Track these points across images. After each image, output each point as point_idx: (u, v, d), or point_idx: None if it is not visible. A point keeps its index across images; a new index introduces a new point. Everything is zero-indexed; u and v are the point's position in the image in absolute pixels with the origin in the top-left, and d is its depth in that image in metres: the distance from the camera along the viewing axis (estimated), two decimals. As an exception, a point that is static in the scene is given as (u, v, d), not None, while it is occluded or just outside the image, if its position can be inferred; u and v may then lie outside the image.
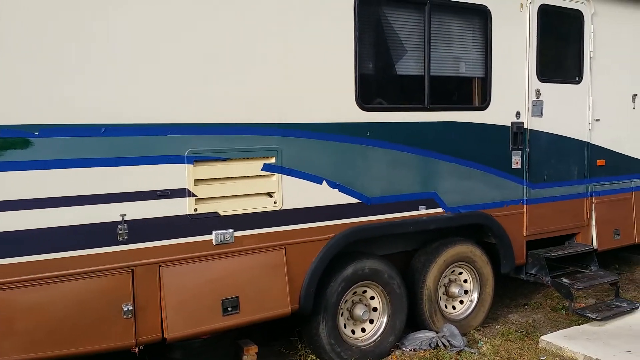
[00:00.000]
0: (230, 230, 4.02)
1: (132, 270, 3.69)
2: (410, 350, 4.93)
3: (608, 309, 5.56)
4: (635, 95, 6.43)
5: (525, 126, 5.45)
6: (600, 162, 6.11)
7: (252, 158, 4.08)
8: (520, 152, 5.44)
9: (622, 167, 6.38)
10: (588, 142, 5.99)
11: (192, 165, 3.84)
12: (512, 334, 5.32)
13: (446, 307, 5.36)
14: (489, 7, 5.12)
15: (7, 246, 3.31)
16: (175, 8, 3.75)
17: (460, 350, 4.92)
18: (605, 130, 6.12)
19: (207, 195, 3.93)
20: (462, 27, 5.09)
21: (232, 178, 4.03)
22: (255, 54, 4.03)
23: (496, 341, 5.15)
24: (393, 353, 4.88)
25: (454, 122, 5.03)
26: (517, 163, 5.43)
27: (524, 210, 5.52)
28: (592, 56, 5.93)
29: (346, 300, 4.70)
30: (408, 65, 4.87)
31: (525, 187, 5.51)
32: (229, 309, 3.96)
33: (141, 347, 3.76)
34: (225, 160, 3.98)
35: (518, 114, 5.40)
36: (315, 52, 4.29)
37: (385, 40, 4.74)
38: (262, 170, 4.12)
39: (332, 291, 4.51)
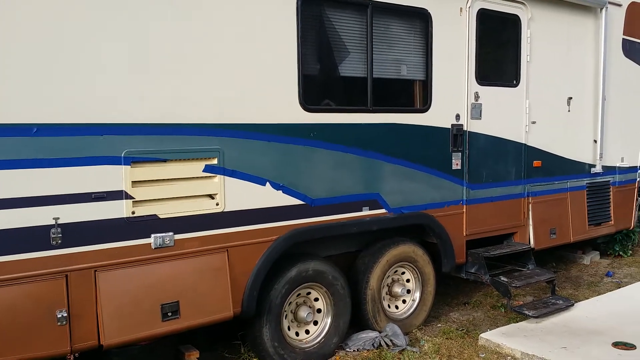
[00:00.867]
0: (170, 234, 3.93)
1: (67, 276, 3.56)
2: (354, 350, 4.95)
3: (545, 306, 5.74)
4: (571, 98, 6.68)
5: (465, 128, 5.57)
6: (536, 163, 6.32)
7: (192, 159, 4.00)
8: (460, 153, 5.56)
9: (558, 168, 6.62)
10: (525, 144, 6.18)
11: (129, 166, 3.73)
12: (453, 332, 5.43)
13: (389, 306, 5.42)
14: (429, 11, 5.21)
15: None
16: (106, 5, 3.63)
17: (403, 349, 4.98)
18: (542, 132, 6.33)
19: (145, 198, 3.82)
20: (403, 29, 5.16)
21: (172, 180, 3.93)
22: (194, 53, 3.96)
23: (437, 339, 5.24)
24: (337, 354, 4.90)
25: (396, 124, 5.09)
26: (457, 164, 5.55)
27: (464, 210, 5.65)
28: (528, 60, 6.12)
29: (290, 302, 4.68)
30: (351, 67, 4.90)
31: (464, 187, 5.63)
32: (169, 314, 3.87)
33: (77, 354, 3.61)
34: (164, 161, 3.88)
35: (458, 117, 5.51)
36: (258, 52, 4.25)
37: (328, 41, 4.75)
38: (203, 171, 4.05)
39: (275, 293, 4.48)
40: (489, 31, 5.77)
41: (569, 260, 8.15)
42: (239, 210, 4.23)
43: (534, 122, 6.22)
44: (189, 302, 3.96)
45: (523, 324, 5.50)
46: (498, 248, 6.02)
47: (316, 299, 4.85)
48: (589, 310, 5.80)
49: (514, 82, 6.06)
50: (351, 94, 4.97)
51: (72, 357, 3.62)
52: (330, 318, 4.85)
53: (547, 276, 6.04)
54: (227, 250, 4.18)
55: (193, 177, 4.02)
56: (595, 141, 7.02)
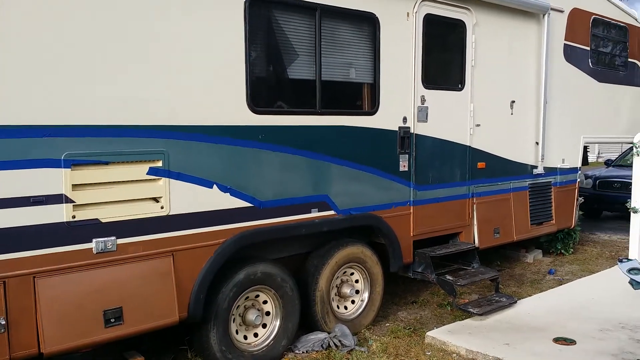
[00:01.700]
0: (113, 238, 3.84)
1: (4, 282, 3.44)
2: (303, 352, 4.96)
3: (489, 304, 5.90)
4: (514, 101, 6.89)
5: (412, 131, 5.67)
6: (481, 164, 6.49)
7: (136, 162, 3.93)
8: (407, 155, 5.65)
9: (501, 169, 6.81)
10: (470, 146, 6.34)
11: (70, 169, 3.63)
12: (401, 331, 5.52)
13: (338, 307, 5.46)
14: (377, 15, 5.28)
15: None
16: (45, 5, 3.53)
17: (351, 350, 5.02)
18: (486, 135, 6.51)
19: (86, 201, 3.73)
20: (352, 33, 5.21)
21: (114, 183, 3.85)
22: (138, 54, 3.89)
23: (385, 339, 5.31)
24: (286, 356, 4.90)
25: (344, 126, 5.14)
26: (404, 166, 5.64)
27: (411, 211, 5.75)
28: (473, 64, 6.28)
29: (238, 305, 4.65)
30: (300, 69, 4.91)
31: (412, 189, 5.73)
32: (112, 320, 3.79)
33: (15, 363, 3.50)
34: (106, 164, 3.80)
35: (405, 119, 5.60)
36: (205, 53, 4.21)
37: (277, 44, 4.74)
38: (147, 174, 3.98)
39: (223, 297, 4.45)
40: (435, 36, 5.88)
41: (512, 258, 8.40)
42: (185, 214, 4.18)
43: (478, 125, 6.39)
44: (133, 307, 3.89)
45: (468, 321, 5.63)
46: (444, 248, 6.15)
47: (265, 302, 4.83)
48: (532, 307, 5.99)
49: (459, 86, 6.20)
50: (300, 96, 4.98)
51: (9, 367, 3.49)
52: (279, 320, 4.84)
53: (491, 274, 6.20)
54: (173, 254, 4.12)
55: (137, 180, 3.95)
56: (537, 143, 7.26)
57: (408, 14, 5.58)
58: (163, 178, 4.05)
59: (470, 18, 6.20)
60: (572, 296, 6.39)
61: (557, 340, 5.05)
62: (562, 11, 7.49)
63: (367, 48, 5.32)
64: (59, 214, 3.62)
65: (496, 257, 8.21)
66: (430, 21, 5.78)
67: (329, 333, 5.15)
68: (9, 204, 3.44)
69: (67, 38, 3.60)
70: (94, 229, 3.77)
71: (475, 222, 6.46)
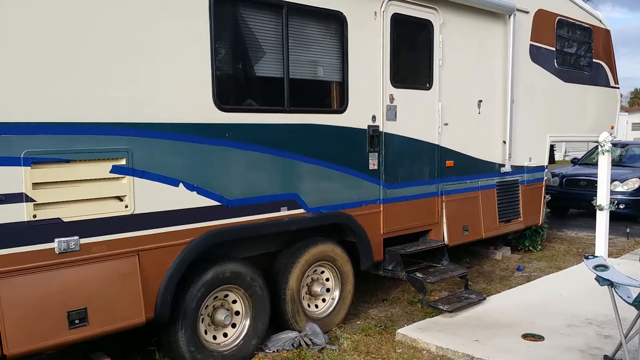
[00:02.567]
0: (76, 238, 3.76)
1: (-38, 284, 3.34)
2: (274, 351, 4.93)
3: (458, 300, 5.95)
4: (481, 101, 6.98)
5: (381, 129, 5.69)
6: (449, 163, 6.55)
7: (99, 159, 3.86)
8: (376, 154, 5.67)
9: (470, 167, 6.89)
10: (438, 145, 6.39)
11: (30, 167, 3.54)
12: (372, 329, 5.52)
13: (309, 306, 5.44)
14: (344, 14, 5.29)
15: None
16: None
17: (322, 348, 5.01)
18: (454, 134, 6.57)
19: (47, 200, 3.65)
20: (319, 31, 5.21)
21: (76, 181, 3.77)
22: (100, 50, 3.82)
23: (356, 336, 5.31)
24: (256, 356, 4.86)
25: (313, 124, 5.13)
26: (373, 164, 5.66)
27: (381, 209, 5.77)
28: (441, 64, 6.34)
29: (207, 305, 4.60)
30: (268, 67, 4.89)
31: (381, 187, 5.75)
32: (76, 321, 3.71)
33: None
34: (68, 162, 3.72)
35: (374, 118, 5.62)
36: (169, 50, 4.16)
37: (244, 41, 4.72)
38: (110, 172, 3.91)
39: (191, 297, 4.39)
40: (403, 35, 5.92)
41: (481, 255, 8.50)
42: (151, 212, 4.12)
43: (446, 124, 6.45)
44: (97, 308, 3.81)
45: (438, 318, 5.67)
46: (414, 245, 6.19)
47: (234, 301, 4.79)
48: (500, 304, 6.06)
49: (427, 85, 6.25)
50: (268, 94, 4.96)
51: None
52: (249, 320, 4.81)
53: (460, 271, 6.26)
54: (138, 254, 4.05)
55: (100, 179, 3.87)
56: (505, 142, 7.36)
57: (375, 13, 5.61)
58: (127, 176, 3.98)
59: (438, 18, 6.26)
60: (540, 292, 6.48)
61: (525, 336, 5.11)
62: (527, 12, 7.62)
63: (335, 46, 5.33)
64: (19, 213, 3.53)
65: (465, 254, 8.29)
66: (397, 20, 5.81)
67: (299, 332, 5.13)
68: (-34, 204, 3.35)
69: (26, 33, 3.52)
70: (56, 228, 3.69)
71: (444, 220, 6.51)
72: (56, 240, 3.68)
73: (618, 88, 9.77)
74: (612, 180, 10.49)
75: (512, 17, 7.19)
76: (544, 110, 8.13)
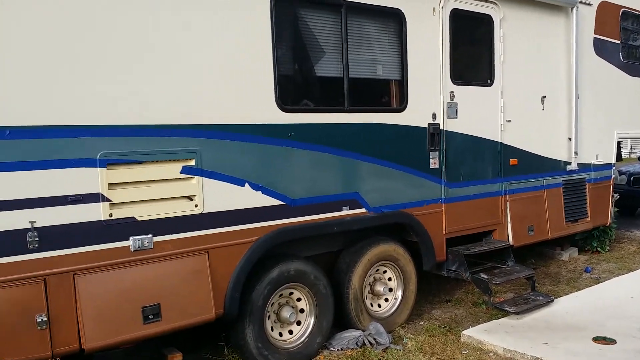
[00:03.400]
0: (149, 236, 3.90)
1: (45, 280, 3.52)
2: (338, 349, 4.95)
3: (525, 302, 5.79)
4: (544, 97, 6.79)
5: (442, 127, 5.63)
6: (513, 161, 6.40)
7: (170, 160, 3.99)
8: (437, 152, 5.61)
9: (534, 166, 6.71)
10: (501, 143, 6.26)
11: (105, 168, 3.70)
12: (436, 330, 5.46)
13: (372, 305, 5.43)
14: (403, 11, 5.28)
15: None
16: (77, 7, 3.63)
17: (386, 348, 4.99)
18: (517, 131, 6.42)
19: (122, 200, 3.80)
20: (378, 30, 5.22)
21: (149, 181, 3.92)
22: (170, 54, 3.96)
23: (420, 337, 5.26)
24: (321, 353, 4.89)
25: (373, 123, 5.13)
26: (434, 163, 5.60)
27: (443, 208, 5.70)
28: (502, 59, 6.22)
29: (273, 302, 4.67)
30: (327, 67, 4.94)
31: (443, 186, 5.69)
32: (150, 316, 3.84)
33: (58, 358, 3.56)
34: (141, 163, 3.86)
35: (434, 116, 5.57)
36: (233, 53, 4.26)
37: (303, 41, 4.78)
38: (181, 172, 4.04)
39: (258, 294, 4.47)
40: (462, 31, 5.85)
41: (547, 256, 8.25)
42: (218, 212, 4.22)
43: (509, 121, 6.31)
44: (170, 304, 3.94)
45: (504, 320, 5.54)
46: (477, 245, 6.08)
47: (299, 299, 4.84)
48: (569, 306, 5.87)
49: (489, 81, 6.14)
50: (328, 94, 5.01)
51: (52, 363, 3.57)
52: (313, 318, 4.85)
53: (526, 272, 6.10)
54: (208, 252, 4.16)
55: (171, 179, 4.01)
56: (570, 139, 7.14)
57: (434, 9, 5.57)
58: (196, 177, 4.10)
59: (498, 12, 6.15)
60: (610, 294, 6.24)
61: (596, 339, 4.94)
62: (590, 4, 7.38)
63: (394, 44, 5.32)
64: (96, 212, 3.70)
65: (531, 255, 8.07)
66: (457, 16, 5.75)
67: (363, 331, 5.12)
68: (48, 203, 3.53)
69: (103, 38, 3.69)
70: (131, 227, 3.84)
71: (509, 220, 6.37)
72: (131, 238, 3.83)
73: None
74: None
75: (574, 9, 6.98)
76: (610, 106, 7.83)
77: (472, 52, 6.15)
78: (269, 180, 4.48)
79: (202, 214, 4.14)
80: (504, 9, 6.19)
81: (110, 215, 3.75)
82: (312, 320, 4.84)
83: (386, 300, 5.54)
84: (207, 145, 4.15)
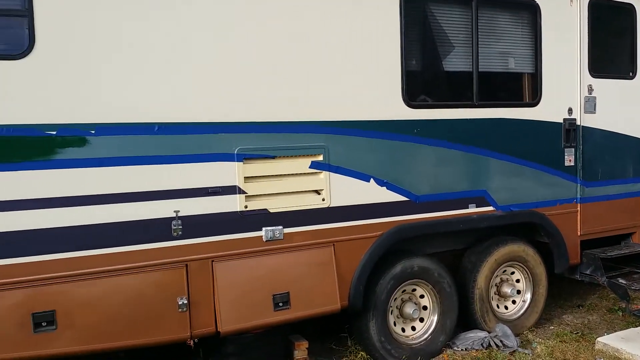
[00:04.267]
0: (280, 227, 4.08)
1: (187, 265, 3.80)
2: (462, 349, 4.87)
3: (669, 311, 5.35)
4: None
5: (578, 123, 5.31)
6: (657, 160, 5.89)
7: (300, 156, 4.14)
8: (573, 149, 5.30)
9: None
10: (645, 139, 5.78)
11: (242, 162, 3.92)
12: (567, 335, 5.18)
13: (498, 307, 5.27)
14: (537, 2, 5.04)
15: (67, 241, 3.45)
16: (227, 12, 3.85)
17: (514, 351, 4.83)
18: (664, 127, 5.89)
19: (256, 193, 4.00)
20: (510, 22, 5.03)
21: (280, 175, 4.10)
22: (298, 54, 4.09)
23: (550, 342, 5.02)
24: (444, 352, 4.83)
25: (503, 118, 4.96)
26: (570, 160, 5.30)
27: (578, 209, 5.37)
28: (646, 51, 5.73)
29: (395, 298, 4.69)
30: (455, 61, 4.85)
31: (579, 185, 5.36)
32: (280, 304, 4.02)
33: (196, 340, 3.83)
34: (273, 157, 4.05)
35: (570, 111, 5.27)
36: (361, 49, 4.31)
37: (432, 35, 4.73)
38: (309, 167, 4.17)
39: (381, 289, 4.51)
40: (601, 22, 5.46)
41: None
42: (344, 206, 4.31)
43: (654, 116, 5.81)
44: (298, 293, 4.09)
45: (644, 328, 5.15)
46: (615, 249, 5.67)
47: (422, 296, 4.82)
48: None
49: (630, 74, 5.69)
50: (456, 89, 4.92)
51: (191, 343, 3.84)
52: (436, 315, 4.80)
53: (672, 279, 5.60)
54: (334, 244, 4.27)
55: (300, 173, 4.16)
56: None
57: (572, 0, 5.25)
58: (324, 171, 4.22)
59: (642, 1, 5.68)
60: None
61: None
62: None
63: (528, 37, 5.09)
64: (233, 203, 3.93)
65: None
66: (595, 6, 5.38)
67: (489, 332, 4.99)
68: (190, 194, 3.80)
69: (235, 44, 3.90)
70: (264, 218, 4.03)
71: (652, 222, 5.87)
72: (264, 229, 4.03)
73: None
74: None
75: None
76: None
77: (613, 44, 5.71)
78: (394, 176, 4.49)
79: (329, 208, 4.25)
80: (650, -4, 5.70)
81: (246, 206, 3.96)
82: (436, 318, 4.80)
83: (513, 302, 5.34)
84: (334, 141, 4.24)
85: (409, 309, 4.70)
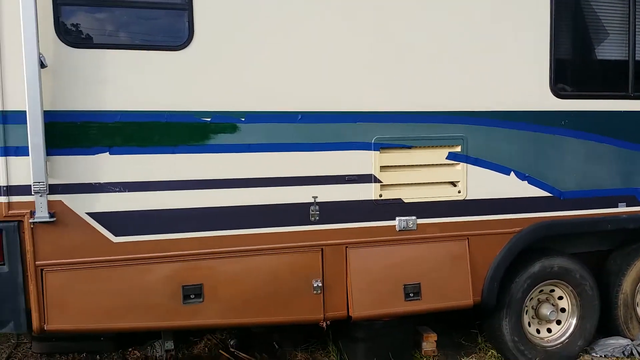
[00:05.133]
0: (413, 218, 4.06)
1: (322, 249, 3.91)
2: (601, 356, 4.58)
3: None
4: None
5: None
6: None
7: (436, 146, 4.08)
8: None
9: None
10: None
11: (378, 152, 3.94)
12: None
13: (644, 314, 4.87)
14: None
15: (215, 220, 3.68)
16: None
17: (661, 363, 4.46)
18: None
19: (391, 182, 4.01)
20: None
21: (416, 166, 4.07)
22: (439, 42, 4.00)
23: None
24: (581, 357, 4.57)
25: (663, 112, 4.54)
26: None
27: None
28: None
29: (531, 297, 4.50)
30: (609, 50, 4.50)
31: None
32: (411, 294, 4.02)
33: (328, 322, 3.95)
34: (409, 147, 4.02)
35: None
36: (506, 37, 4.14)
37: (583, 22, 4.42)
38: (446, 158, 4.10)
39: (517, 287, 4.35)
40: None
41: None
42: (481, 199, 4.19)
43: None
44: (429, 285, 4.06)
45: None
46: None
47: (560, 297, 4.58)
48: None
49: None
50: (608, 79, 4.58)
51: (324, 325, 3.96)
52: (575, 319, 4.54)
53: None
54: (468, 238, 4.17)
55: (436, 164, 4.10)
56: None
57: None
58: (461, 163, 4.12)
59: None
60: None
61: None
62: None
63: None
64: (368, 192, 3.97)
65: None
66: None
67: (632, 340, 4.65)
68: (328, 181, 3.89)
69: (378, 34, 3.90)
70: (397, 208, 4.03)
71: None
72: (397, 218, 4.03)
73: None
74: None
75: None
76: None
77: None
78: (537, 170, 4.28)
79: (464, 201, 4.15)
80: None
81: (380, 195, 3.99)
82: (574, 322, 4.54)
83: (662, 310, 4.91)
84: (474, 132, 4.12)
85: (545, 310, 4.49)
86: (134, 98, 3.46)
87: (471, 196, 4.17)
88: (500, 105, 4.17)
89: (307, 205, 3.86)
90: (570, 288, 4.51)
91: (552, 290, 4.56)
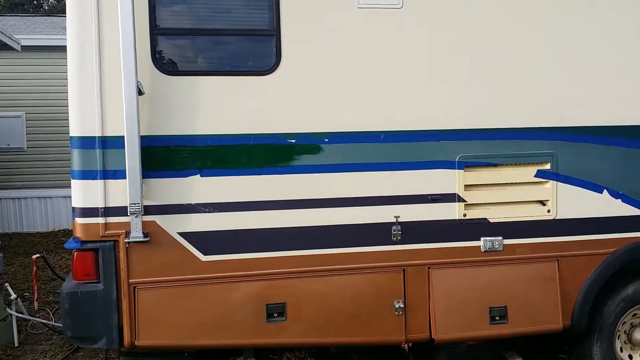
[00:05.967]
0: (500, 238, 3.94)
1: (404, 270, 3.85)
2: (701, 386, 4.27)
3: None
4: None
5: None
6: None
7: (524, 164, 3.95)
8: None
9: None
10: None
11: (463, 170, 3.86)
12: None
13: None
14: None
15: (299, 240, 3.72)
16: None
17: None
18: None
19: (476, 201, 3.91)
20: None
21: (502, 184, 3.95)
22: (538, 57, 3.90)
23: None
24: (685, 389, 4.28)
25: None
26: None
27: None
28: None
29: (624, 322, 4.26)
30: None
31: None
32: (497, 317, 3.90)
33: (410, 345, 3.89)
34: (495, 165, 3.91)
35: None
36: (600, 50, 3.97)
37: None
38: (535, 176, 3.96)
39: (609, 311, 4.14)
40: None
41: None
42: (572, 219, 4.02)
43: None
44: (516, 308, 3.92)
45: None
46: None
47: (656, 323, 4.32)
48: None
49: None
50: None
51: (406, 347, 3.90)
52: (674, 345, 4.27)
53: None
54: (558, 259, 4.01)
55: (524, 182, 3.97)
56: None
57: None
58: (551, 181, 3.97)
59: None
60: None
61: None
62: None
63: None
64: (451, 211, 3.89)
65: None
66: None
67: None
68: (411, 200, 3.84)
69: (457, 55, 3.83)
70: (482, 227, 3.93)
71: None
72: (482, 239, 3.93)
73: None
74: None
75: None
76: None
77: None
78: (632, 188, 4.07)
79: (554, 220, 3.99)
80: None
81: (464, 215, 3.90)
82: (673, 348, 4.27)
83: None
84: (564, 149, 3.97)
85: (639, 335, 4.24)
86: (223, 122, 3.56)
87: (561, 215, 4.00)
88: (592, 120, 3.99)
89: (389, 225, 3.82)
90: (668, 313, 4.25)
91: (648, 315, 4.31)
